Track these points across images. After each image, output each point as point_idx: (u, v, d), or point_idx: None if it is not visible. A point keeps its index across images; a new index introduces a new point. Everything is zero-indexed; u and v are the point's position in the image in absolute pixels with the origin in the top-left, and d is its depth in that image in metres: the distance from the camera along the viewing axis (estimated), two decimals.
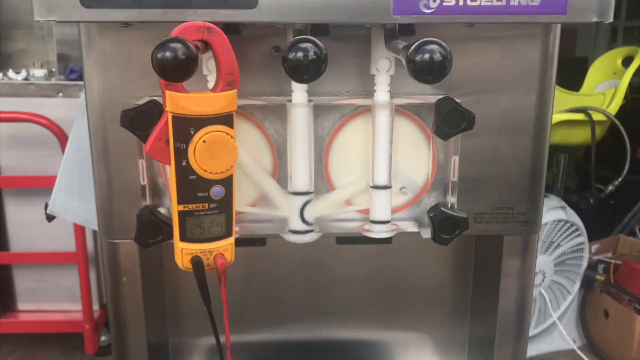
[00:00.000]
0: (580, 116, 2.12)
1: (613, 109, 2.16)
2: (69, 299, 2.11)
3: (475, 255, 0.94)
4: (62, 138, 1.88)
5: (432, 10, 0.60)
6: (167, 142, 0.61)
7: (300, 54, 0.53)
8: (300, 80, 0.55)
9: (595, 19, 0.61)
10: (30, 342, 2.20)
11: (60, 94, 1.95)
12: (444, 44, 0.52)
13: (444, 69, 0.51)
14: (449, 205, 0.75)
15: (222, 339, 0.69)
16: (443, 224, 0.72)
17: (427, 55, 0.51)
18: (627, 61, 2.32)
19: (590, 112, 2.14)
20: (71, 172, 0.84)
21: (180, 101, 0.59)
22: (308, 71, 0.54)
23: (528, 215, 0.79)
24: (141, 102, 0.67)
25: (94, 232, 2.08)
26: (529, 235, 0.80)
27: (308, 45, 0.53)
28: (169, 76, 0.52)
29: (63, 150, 1.89)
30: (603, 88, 2.43)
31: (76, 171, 0.84)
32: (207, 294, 0.67)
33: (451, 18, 0.60)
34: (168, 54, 0.52)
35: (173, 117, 0.60)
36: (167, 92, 0.59)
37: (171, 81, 0.54)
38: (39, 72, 1.99)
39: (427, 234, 0.75)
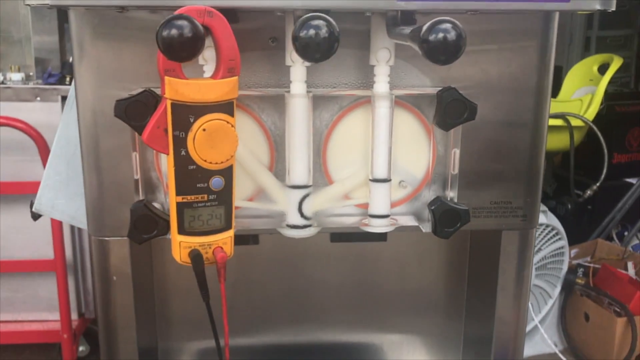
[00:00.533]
0: (558, 122, 2.15)
1: (590, 114, 2.19)
2: (47, 308, 2.05)
3: (470, 253, 0.93)
4: (40, 142, 1.84)
5: None
6: (166, 130, 0.59)
7: (312, 32, 0.52)
8: (311, 59, 0.53)
9: (598, 7, 0.61)
10: (6, 353, 2.13)
11: (38, 98, 1.90)
12: (457, 22, 0.51)
13: (458, 49, 0.50)
14: (449, 199, 0.74)
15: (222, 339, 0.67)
16: (445, 217, 0.71)
17: (441, 35, 0.50)
18: (603, 68, 2.36)
19: (569, 117, 2.17)
20: (58, 169, 0.81)
21: (180, 87, 0.57)
22: (320, 49, 0.52)
23: (526, 210, 0.78)
24: (135, 92, 0.65)
25: (73, 238, 2.03)
26: (527, 230, 0.80)
27: (320, 22, 0.52)
28: (175, 55, 0.51)
29: (41, 155, 1.84)
30: (580, 94, 2.46)
31: (63, 168, 0.81)
32: (206, 289, 0.65)
33: (456, 5, 0.60)
34: (174, 31, 0.50)
35: (172, 104, 0.58)
36: (166, 78, 0.57)
37: (176, 60, 0.52)
38: (16, 76, 1.95)
39: (427, 228, 0.74)
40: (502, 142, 0.75)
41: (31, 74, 2.03)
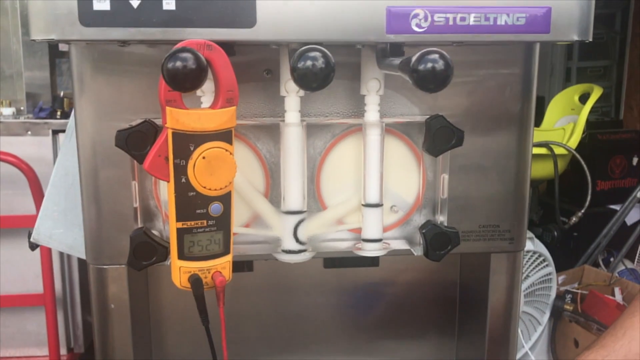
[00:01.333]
0: (542, 150, 2.19)
1: (573, 143, 2.24)
2: (35, 343, 2.03)
3: (461, 275, 0.95)
4: (31, 176, 1.85)
5: (424, 29, 0.62)
6: (167, 158, 0.62)
7: (309, 63, 0.55)
8: (308, 88, 0.56)
9: (576, 38, 0.64)
10: None
11: (29, 132, 1.92)
12: (445, 53, 0.54)
13: (446, 77, 0.53)
14: (439, 223, 0.77)
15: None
16: (435, 240, 0.73)
17: (430, 65, 0.53)
18: (584, 97, 2.42)
19: (552, 146, 2.22)
20: (57, 199, 0.83)
21: (181, 117, 0.60)
22: (317, 79, 0.55)
23: (513, 233, 0.81)
24: (135, 123, 0.67)
25: (62, 272, 2.03)
26: (515, 252, 0.82)
27: (317, 54, 0.55)
28: (179, 86, 0.53)
29: (32, 189, 1.85)
30: (562, 123, 2.52)
31: (62, 198, 0.83)
32: (206, 313, 0.66)
33: (441, 37, 0.63)
34: (179, 63, 0.53)
35: (173, 133, 0.60)
36: (167, 108, 0.59)
37: (181, 91, 0.55)
38: (7, 111, 1.97)
39: (418, 251, 0.76)
40: (488, 167, 0.78)
41: (22, 108, 2.05)
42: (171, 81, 0.53)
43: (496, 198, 0.79)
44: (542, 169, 2.26)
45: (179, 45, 0.58)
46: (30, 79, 2.10)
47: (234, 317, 0.95)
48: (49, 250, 1.91)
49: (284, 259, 0.74)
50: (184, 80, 0.53)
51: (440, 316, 0.99)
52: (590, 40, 0.65)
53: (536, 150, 2.18)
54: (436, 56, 0.53)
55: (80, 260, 2.06)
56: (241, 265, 0.90)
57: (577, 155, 2.22)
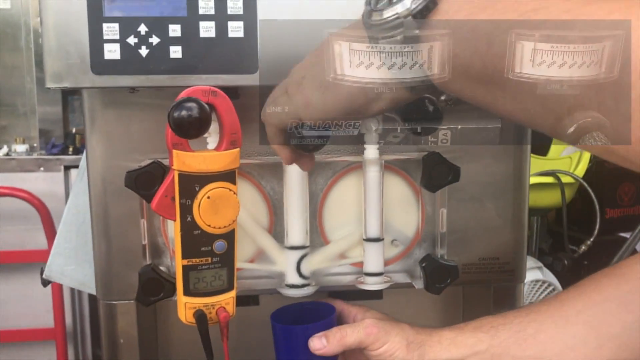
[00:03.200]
0: (549, 179, 2.20)
1: (580, 171, 2.25)
2: None
3: (463, 308, 0.96)
4: (43, 212, 1.89)
5: None
6: (173, 198, 0.64)
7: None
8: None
9: None
10: None
11: (42, 168, 1.96)
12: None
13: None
14: (439, 256, 0.78)
15: None
16: (435, 274, 0.75)
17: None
18: None
19: (559, 175, 2.23)
20: (68, 237, 0.86)
21: (187, 159, 0.63)
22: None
23: (513, 265, 0.82)
24: (144, 163, 0.70)
25: (73, 306, 2.05)
26: (515, 284, 0.84)
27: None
28: (184, 133, 0.56)
29: (44, 224, 1.89)
30: (569, 152, 2.52)
31: (73, 235, 0.86)
32: (210, 349, 0.68)
33: None
34: (184, 112, 0.56)
35: (179, 174, 0.63)
36: (174, 151, 0.62)
37: (186, 138, 0.58)
38: (20, 148, 2.02)
39: (419, 284, 0.78)
40: (486, 200, 0.80)
41: (35, 144, 2.10)
42: (177, 129, 0.56)
43: (495, 231, 0.81)
44: (549, 198, 2.26)
45: (185, 93, 0.61)
46: (43, 115, 2.15)
47: (241, 350, 0.96)
48: (60, 285, 1.93)
49: (288, 293, 0.76)
50: (189, 128, 0.56)
51: None
52: None
53: (543, 180, 2.19)
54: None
55: (90, 295, 2.09)
56: (247, 300, 0.92)
57: (585, 184, 2.23)
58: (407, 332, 0.71)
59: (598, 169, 2.66)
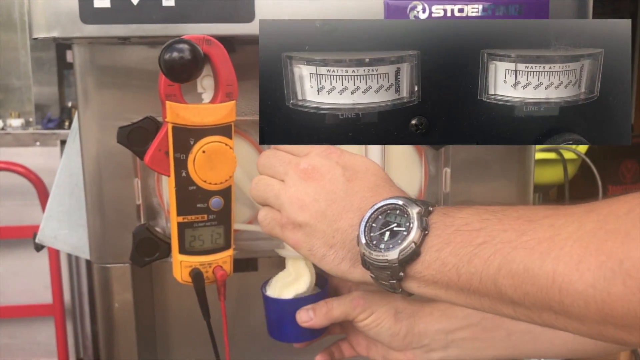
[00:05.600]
0: (552, 155, 2.18)
1: (582, 147, 2.22)
2: (45, 354, 2.04)
3: None
4: (39, 187, 1.87)
5: (425, 17, 0.62)
6: (167, 153, 0.62)
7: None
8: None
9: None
10: None
11: (38, 143, 1.94)
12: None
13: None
14: None
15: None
16: None
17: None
18: None
19: (562, 150, 2.20)
20: (61, 200, 0.83)
21: (181, 111, 0.60)
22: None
23: None
24: (137, 119, 0.67)
25: (71, 282, 2.04)
26: None
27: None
28: (176, 76, 0.54)
29: (40, 200, 1.87)
30: None
31: (66, 199, 0.83)
32: (207, 307, 0.66)
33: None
34: (175, 54, 0.53)
35: (173, 127, 0.61)
36: (167, 102, 0.60)
37: (178, 81, 0.55)
38: (15, 122, 1.99)
39: None
40: (491, 161, 0.77)
41: (31, 119, 2.08)
42: (168, 72, 0.53)
43: (499, 193, 0.79)
44: (552, 175, 2.24)
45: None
46: (39, 90, 2.13)
47: (240, 317, 0.95)
48: (58, 260, 1.92)
49: (287, 254, 0.74)
50: (181, 70, 0.54)
51: None
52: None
53: (545, 155, 2.17)
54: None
55: (88, 270, 2.08)
56: (245, 265, 0.90)
57: (587, 160, 2.20)
58: (396, 303, 0.71)
59: (601, 146, 2.64)
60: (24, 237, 1.93)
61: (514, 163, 0.78)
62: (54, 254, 1.88)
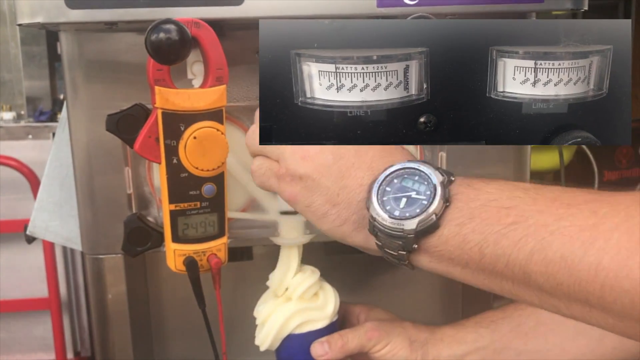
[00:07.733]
0: None
1: None
2: (41, 348, 2.03)
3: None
4: (32, 180, 1.85)
5: (416, 1, 0.61)
6: (157, 139, 0.61)
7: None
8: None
9: (569, 6, 0.63)
10: None
11: (30, 136, 1.92)
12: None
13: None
14: None
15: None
16: None
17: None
18: None
19: None
20: (52, 191, 0.82)
21: (170, 96, 0.59)
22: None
23: None
24: (126, 107, 0.66)
25: (67, 276, 2.02)
26: None
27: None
28: (164, 58, 0.52)
29: (34, 193, 1.85)
30: None
31: (57, 190, 0.82)
32: (202, 296, 0.65)
33: (433, 9, 0.62)
34: (162, 34, 0.52)
35: (163, 113, 0.60)
36: (156, 87, 0.58)
37: (166, 63, 0.54)
38: (7, 115, 1.97)
39: None
40: (488, 148, 0.76)
41: (23, 112, 2.06)
42: (155, 54, 0.52)
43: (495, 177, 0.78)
44: (547, 160, 2.23)
45: None
46: (30, 84, 2.10)
47: (235, 307, 0.94)
48: (53, 253, 1.91)
49: (282, 242, 0.73)
50: (168, 52, 0.52)
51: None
52: (586, 9, 0.64)
53: None
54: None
55: (84, 263, 2.06)
56: (240, 254, 0.89)
57: (583, 146, 2.20)
58: (409, 332, 0.71)
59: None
60: (17, 230, 1.91)
61: (510, 148, 0.77)
62: (49, 247, 1.86)
